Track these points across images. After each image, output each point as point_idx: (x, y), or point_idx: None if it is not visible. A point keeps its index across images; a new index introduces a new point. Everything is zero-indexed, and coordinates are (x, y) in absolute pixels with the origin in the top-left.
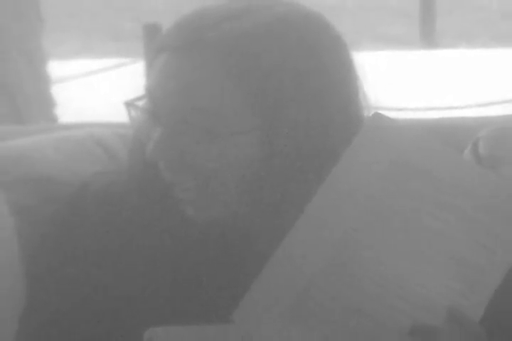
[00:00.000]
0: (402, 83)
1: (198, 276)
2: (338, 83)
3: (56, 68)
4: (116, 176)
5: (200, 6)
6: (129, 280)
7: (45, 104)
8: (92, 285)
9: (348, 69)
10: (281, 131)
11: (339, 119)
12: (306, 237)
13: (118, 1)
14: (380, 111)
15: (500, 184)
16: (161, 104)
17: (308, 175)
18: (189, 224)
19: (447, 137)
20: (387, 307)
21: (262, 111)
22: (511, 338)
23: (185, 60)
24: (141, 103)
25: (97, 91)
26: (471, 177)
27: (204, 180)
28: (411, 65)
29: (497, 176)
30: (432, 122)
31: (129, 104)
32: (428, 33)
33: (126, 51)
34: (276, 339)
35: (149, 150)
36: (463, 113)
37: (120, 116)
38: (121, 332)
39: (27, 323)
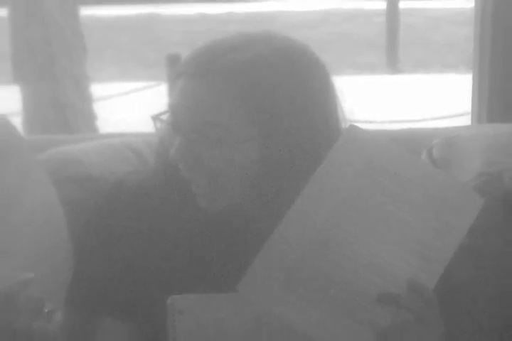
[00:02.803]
0: (373, 101)
1: (210, 255)
2: (322, 101)
3: (98, 89)
4: (144, 175)
5: (210, 39)
6: (156, 257)
7: (89, 118)
8: (126, 261)
9: (329, 90)
10: (276, 140)
11: (322, 130)
12: (296, 222)
13: (146, 36)
14: (354, 123)
15: (450, 181)
16: (180, 118)
17: (298, 174)
18: (203, 212)
19: (408, 144)
20: (360, 278)
21: (260, 124)
22: (457, 302)
23: (198, 83)
24: (164, 117)
25: (130, 108)
26: (427, 176)
27: (214, 178)
28: (379, 86)
29: (447, 175)
30: (396, 132)
31: (155, 118)
32: (393, 61)
33: (153, 76)
34: (272, 305)
35: (171, 154)
36: (421, 125)
37: (148, 127)
38: (149, 299)
39: (73, 292)
